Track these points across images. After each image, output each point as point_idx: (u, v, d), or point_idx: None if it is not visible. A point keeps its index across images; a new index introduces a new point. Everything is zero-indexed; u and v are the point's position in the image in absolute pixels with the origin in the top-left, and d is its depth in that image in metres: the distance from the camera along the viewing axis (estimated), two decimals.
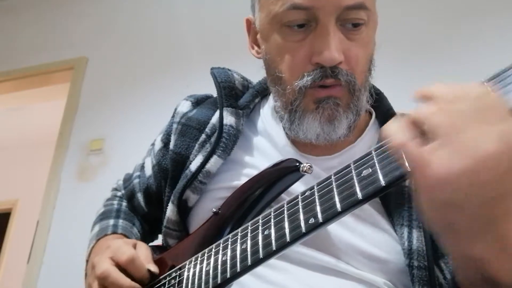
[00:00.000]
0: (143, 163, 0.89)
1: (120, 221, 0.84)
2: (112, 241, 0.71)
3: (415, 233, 0.61)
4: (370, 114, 0.78)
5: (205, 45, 2.56)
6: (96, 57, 2.79)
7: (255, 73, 0.82)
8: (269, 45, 0.70)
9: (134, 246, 0.69)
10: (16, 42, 3.06)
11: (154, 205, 0.84)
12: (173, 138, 0.79)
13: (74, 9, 3.01)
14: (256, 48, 0.77)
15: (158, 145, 0.84)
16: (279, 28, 0.67)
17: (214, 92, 0.87)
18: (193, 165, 0.72)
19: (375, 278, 0.61)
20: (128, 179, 0.92)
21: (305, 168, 0.60)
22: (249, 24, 0.78)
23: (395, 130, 0.40)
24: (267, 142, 0.74)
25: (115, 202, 0.91)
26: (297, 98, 0.67)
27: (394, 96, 0.82)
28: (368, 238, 0.63)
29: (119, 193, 0.94)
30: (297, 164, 0.61)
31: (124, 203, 0.91)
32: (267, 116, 0.77)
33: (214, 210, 0.66)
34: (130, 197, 0.89)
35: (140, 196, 0.86)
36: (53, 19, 3.04)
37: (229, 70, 0.82)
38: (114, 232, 0.80)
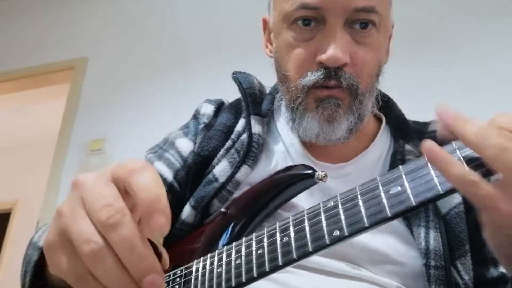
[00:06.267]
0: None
1: None
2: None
3: (432, 234, 0.62)
4: (380, 119, 0.79)
5: (206, 46, 2.56)
6: (96, 57, 2.80)
7: (255, 74, 0.83)
8: (279, 43, 0.71)
9: None
10: (16, 42, 3.06)
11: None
12: (198, 140, 0.77)
13: (74, 9, 3.02)
14: (269, 47, 0.77)
15: (189, 146, 0.77)
16: (289, 27, 0.67)
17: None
18: (219, 172, 0.71)
19: (389, 281, 0.61)
20: None
21: (320, 176, 0.60)
22: (265, 23, 0.79)
23: (463, 169, 0.39)
24: (284, 150, 0.74)
25: None
26: (299, 96, 0.67)
27: (399, 97, 0.82)
28: (384, 240, 0.63)
29: None
30: (313, 171, 0.61)
31: None
32: (282, 123, 0.77)
33: (223, 210, 0.66)
34: None
35: None
36: (53, 19, 3.05)
37: (249, 75, 0.82)
38: None
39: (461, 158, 0.41)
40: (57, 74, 2.88)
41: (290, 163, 0.71)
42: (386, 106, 0.79)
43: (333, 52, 0.62)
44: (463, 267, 0.62)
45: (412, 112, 0.80)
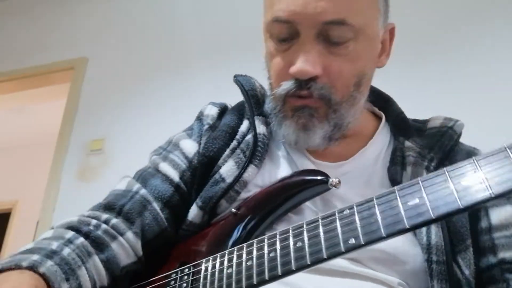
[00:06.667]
0: (158, 169, 0.75)
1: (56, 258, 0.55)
2: None
3: (434, 229, 0.62)
4: (379, 118, 0.80)
5: (205, 46, 2.56)
6: (96, 57, 2.79)
7: (255, 75, 0.83)
8: (265, 51, 0.73)
9: None
10: (16, 42, 3.06)
11: (175, 217, 0.73)
12: (203, 140, 0.78)
13: (74, 9, 3.02)
14: None
15: (194, 147, 0.77)
16: (269, 37, 0.69)
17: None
18: (225, 172, 0.71)
19: (390, 278, 0.62)
20: (124, 195, 0.72)
21: (334, 183, 0.62)
22: None
23: None
24: (285, 149, 0.75)
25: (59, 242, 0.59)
26: (278, 104, 0.70)
27: (398, 97, 0.83)
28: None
29: (83, 227, 0.64)
30: (326, 177, 0.63)
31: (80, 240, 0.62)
32: None
33: (234, 210, 0.67)
34: (138, 213, 0.69)
35: (158, 206, 0.71)
36: (53, 19, 3.05)
37: (251, 77, 0.83)
38: (32, 268, 0.51)
39: None
40: (57, 74, 2.88)
41: (292, 163, 0.72)
42: (386, 104, 0.81)
43: (301, 66, 0.64)
44: (463, 261, 0.62)
45: (412, 112, 0.80)
